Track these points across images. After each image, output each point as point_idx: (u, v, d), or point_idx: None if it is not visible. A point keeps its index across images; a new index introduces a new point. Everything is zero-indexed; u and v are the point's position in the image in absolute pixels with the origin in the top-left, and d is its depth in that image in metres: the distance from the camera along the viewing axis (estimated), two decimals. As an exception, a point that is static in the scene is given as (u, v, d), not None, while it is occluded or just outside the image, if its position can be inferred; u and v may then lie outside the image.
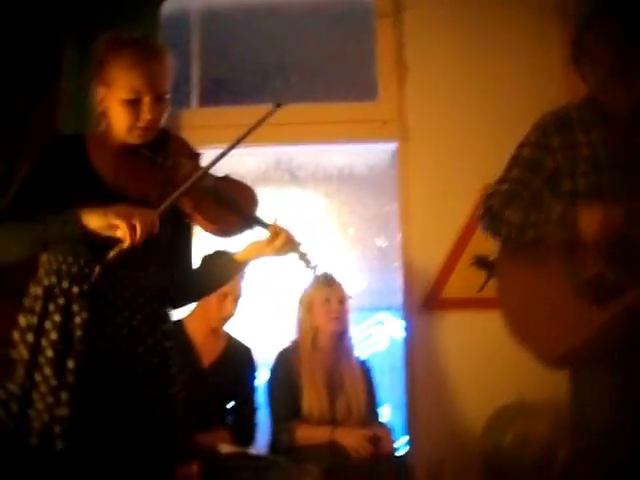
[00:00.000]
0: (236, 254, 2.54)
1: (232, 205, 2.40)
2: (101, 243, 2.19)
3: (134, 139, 2.35)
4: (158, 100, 2.33)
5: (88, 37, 4.12)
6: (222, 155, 2.37)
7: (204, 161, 2.47)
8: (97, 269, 2.22)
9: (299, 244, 2.49)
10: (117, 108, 2.32)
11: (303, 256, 2.50)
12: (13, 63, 3.97)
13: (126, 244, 2.15)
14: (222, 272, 2.59)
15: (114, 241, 2.18)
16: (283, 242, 2.44)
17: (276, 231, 2.44)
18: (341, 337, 3.86)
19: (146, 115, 2.30)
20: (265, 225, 2.45)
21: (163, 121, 2.40)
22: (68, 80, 4.19)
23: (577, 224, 2.45)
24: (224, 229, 2.40)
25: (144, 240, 2.17)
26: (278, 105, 2.40)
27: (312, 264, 2.51)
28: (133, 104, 2.30)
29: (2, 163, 3.81)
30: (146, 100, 2.30)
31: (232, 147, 2.36)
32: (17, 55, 3.98)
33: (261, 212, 2.47)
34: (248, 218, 2.43)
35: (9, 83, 3.96)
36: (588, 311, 2.44)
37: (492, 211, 2.67)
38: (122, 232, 2.14)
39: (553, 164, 2.64)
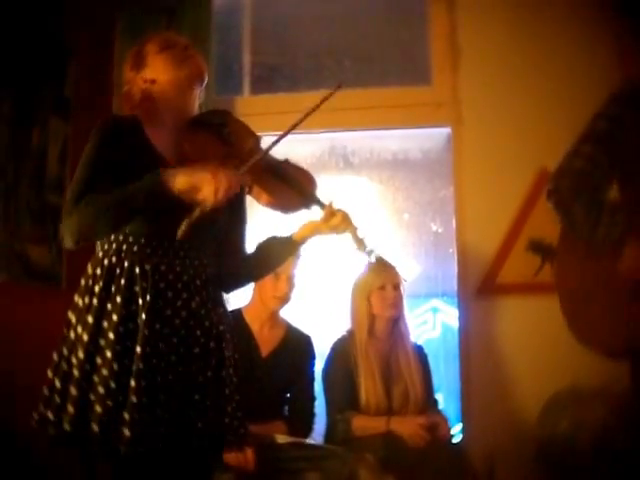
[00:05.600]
0: (293, 233, 2.57)
1: (292, 182, 2.46)
2: (168, 217, 2.22)
3: (190, 69, 2.45)
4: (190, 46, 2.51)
5: (141, 22, 4.24)
6: (290, 130, 2.37)
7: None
8: (183, 226, 2.21)
9: (355, 226, 2.51)
10: (158, 61, 2.44)
11: (358, 238, 2.51)
12: (64, 48, 4.02)
13: (209, 204, 2.18)
14: (279, 252, 2.63)
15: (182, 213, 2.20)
16: (339, 220, 2.48)
17: (332, 210, 2.48)
18: (396, 323, 3.85)
19: (182, 45, 2.48)
20: (322, 205, 2.49)
21: (206, 69, 2.52)
22: (120, 66, 4.24)
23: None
24: (282, 203, 2.45)
25: (203, 222, 2.21)
26: (339, 86, 2.40)
27: (368, 247, 2.51)
28: (169, 49, 2.46)
29: (55, 148, 3.87)
30: (177, 43, 2.49)
31: (300, 121, 2.37)
32: (68, 40, 4.03)
33: (319, 194, 2.52)
34: (307, 196, 2.48)
35: (60, 68, 4.01)
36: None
37: (560, 195, 2.57)
38: (206, 191, 2.17)
39: (625, 142, 2.54)
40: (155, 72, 2.45)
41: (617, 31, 4.03)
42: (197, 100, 2.54)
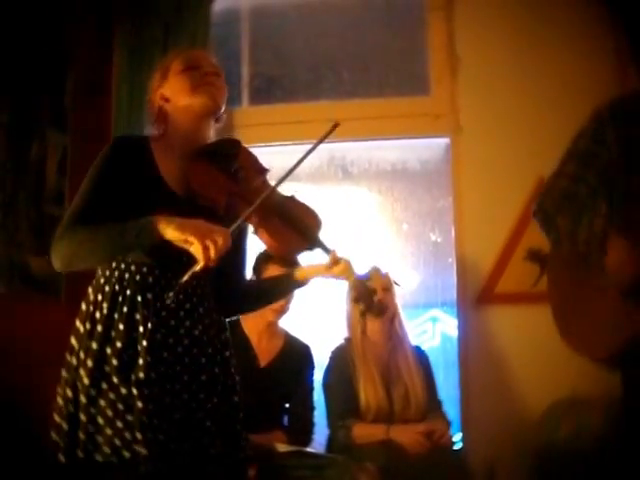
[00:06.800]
0: (295, 272, 2.60)
1: (297, 225, 2.40)
2: (171, 253, 2.19)
3: (202, 98, 2.38)
4: (213, 72, 2.43)
5: (139, 34, 4.25)
6: (290, 171, 2.31)
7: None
8: (171, 294, 2.22)
9: (356, 273, 2.55)
10: (176, 80, 2.41)
11: (357, 286, 2.57)
12: (63, 59, 4.02)
13: (200, 266, 2.14)
14: (281, 289, 2.71)
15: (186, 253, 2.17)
16: (342, 269, 2.52)
17: (336, 258, 2.49)
18: (392, 325, 3.86)
19: (206, 69, 2.41)
20: (327, 250, 2.47)
21: (223, 100, 2.45)
22: (119, 81, 4.25)
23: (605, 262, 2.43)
24: (286, 249, 2.45)
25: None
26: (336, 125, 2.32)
27: (367, 293, 2.55)
28: (191, 70, 2.40)
29: (53, 159, 3.88)
30: (203, 65, 2.42)
31: (301, 161, 2.32)
32: (67, 51, 4.03)
33: (324, 236, 2.48)
34: (311, 240, 2.44)
35: (59, 79, 4.01)
36: (633, 311, 2.39)
37: (545, 212, 2.63)
38: (197, 251, 2.13)
39: (608, 158, 2.54)
40: (170, 91, 2.42)
41: (616, 40, 4.05)
42: (210, 130, 2.49)
